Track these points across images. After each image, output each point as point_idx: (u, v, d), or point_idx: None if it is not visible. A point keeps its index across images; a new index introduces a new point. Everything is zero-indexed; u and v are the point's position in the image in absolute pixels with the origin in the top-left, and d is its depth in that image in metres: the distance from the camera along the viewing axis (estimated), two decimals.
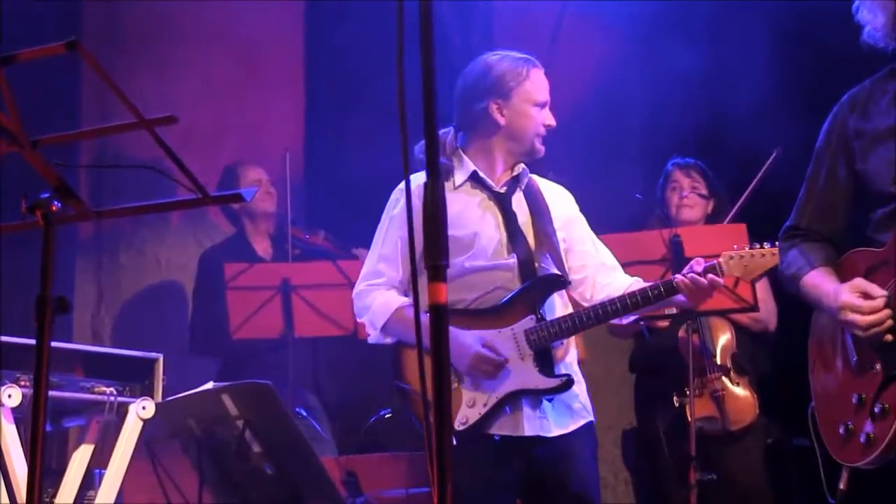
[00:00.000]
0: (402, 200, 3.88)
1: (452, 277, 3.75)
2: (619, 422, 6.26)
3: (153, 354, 4.15)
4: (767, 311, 5.35)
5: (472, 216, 3.84)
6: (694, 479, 4.84)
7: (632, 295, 3.75)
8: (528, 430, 3.73)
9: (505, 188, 3.90)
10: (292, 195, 6.20)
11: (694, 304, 3.81)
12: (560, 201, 3.99)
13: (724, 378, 5.26)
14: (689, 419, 4.95)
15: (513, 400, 3.74)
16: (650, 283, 3.81)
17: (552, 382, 3.74)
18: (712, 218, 5.50)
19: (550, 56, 6.70)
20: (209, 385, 4.16)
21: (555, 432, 3.76)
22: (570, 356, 3.88)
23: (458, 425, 3.73)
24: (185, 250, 6.86)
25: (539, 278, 3.78)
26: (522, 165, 3.94)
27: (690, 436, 4.89)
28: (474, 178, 3.88)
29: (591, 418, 3.88)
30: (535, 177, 4.00)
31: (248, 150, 6.73)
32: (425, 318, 2.09)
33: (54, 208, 2.35)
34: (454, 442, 3.70)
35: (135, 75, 6.41)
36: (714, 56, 6.02)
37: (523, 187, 3.92)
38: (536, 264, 3.79)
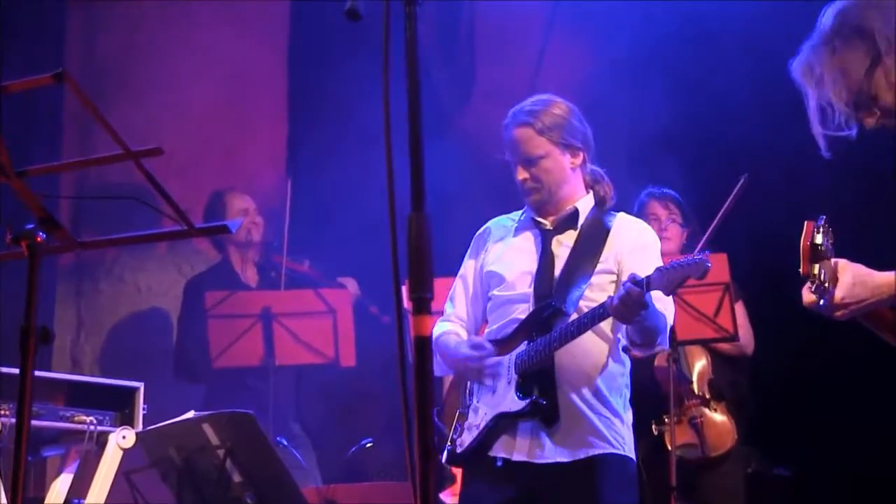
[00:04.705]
0: (478, 239, 4.10)
1: (490, 308, 4.00)
2: None
3: (133, 383, 4.13)
4: (744, 336, 5.35)
5: (516, 253, 3.97)
6: None
7: (582, 316, 3.71)
8: (518, 455, 3.76)
9: (554, 225, 3.95)
10: (276, 222, 6.21)
11: (621, 320, 3.65)
12: (623, 235, 3.92)
13: (701, 405, 5.25)
14: (669, 448, 4.95)
15: (506, 423, 3.78)
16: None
17: (519, 405, 3.75)
18: (688, 247, 5.49)
19: (536, 70, 6.75)
20: (190, 414, 4.14)
21: (551, 459, 3.73)
22: (602, 377, 3.80)
23: (458, 448, 3.86)
24: (165, 277, 6.84)
25: (535, 308, 3.83)
26: (574, 205, 3.95)
27: (671, 465, 4.87)
28: (530, 217, 4.00)
29: (613, 449, 3.77)
30: (620, 215, 3.99)
31: (230, 177, 6.71)
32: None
33: (39, 239, 2.34)
34: (443, 465, 3.95)
35: (116, 102, 6.40)
36: (702, 72, 6.04)
37: (578, 226, 3.93)
38: (555, 294, 3.81)
